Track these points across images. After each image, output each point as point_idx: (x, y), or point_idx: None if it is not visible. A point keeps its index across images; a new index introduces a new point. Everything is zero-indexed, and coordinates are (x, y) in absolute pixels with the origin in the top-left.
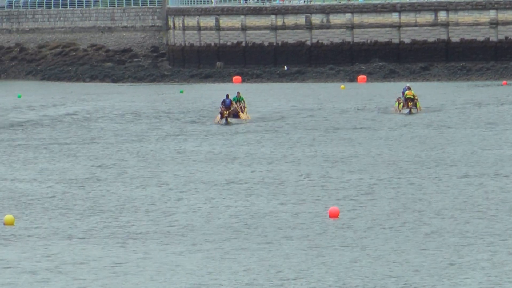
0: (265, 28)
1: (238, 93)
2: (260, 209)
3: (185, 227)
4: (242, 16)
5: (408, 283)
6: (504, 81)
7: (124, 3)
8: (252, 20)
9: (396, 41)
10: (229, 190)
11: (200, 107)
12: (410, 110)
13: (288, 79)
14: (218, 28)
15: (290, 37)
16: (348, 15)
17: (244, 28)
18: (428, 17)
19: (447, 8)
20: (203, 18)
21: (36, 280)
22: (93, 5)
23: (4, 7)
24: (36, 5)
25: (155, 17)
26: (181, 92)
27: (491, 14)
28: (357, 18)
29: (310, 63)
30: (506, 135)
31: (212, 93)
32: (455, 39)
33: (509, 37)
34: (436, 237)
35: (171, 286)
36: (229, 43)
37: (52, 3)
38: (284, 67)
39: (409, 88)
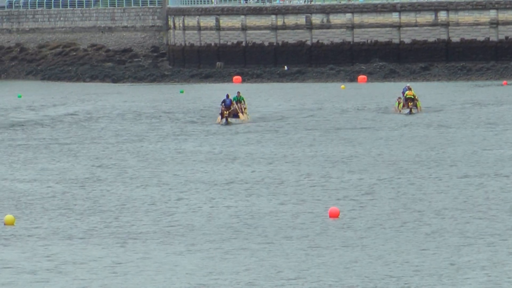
0: (266, 28)
1: (238, 93)
2: (260, 209)
3: (185, 227)
4: (242, 16)
5: (408, 283)
6: (505, 81)
7: (124, 3)
8: (252, 20)
9: (396, 41)
10: (229, 190)
11: (200, 107)
12: (411, 110)
13: (288, 79)
14: (218, 28)
15: (290, 37)
16: (349, 15)
17: (244, 28)
18: (428, 17)
19: (447, 8)
20: (203, 18)
21: (36, 280)
22: (93, 5)
23: (4, 7)
24: (36, 5)
25: (155, 17)
26: (181, 92)
27: (492, 14)
28: (357, 18)
29: (310, 63)
30: (506, 135)
31: (212, 93)
32: (455, 39)
33: (509, 37)
34: (436, 237)
35: (171, 286)
36: (229, 43)
37: (52, 3)
38: (284, 67)
39: (409, 88)
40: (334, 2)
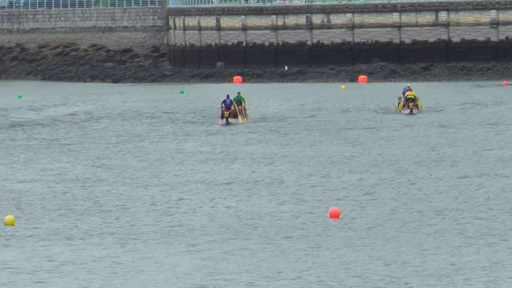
0: (266, 28)
1: (239, 93)
2: (260, 209)
3: (185, 227)
4: (243, 16)
5: (408, 284)
6: (505, 81)
7: (124, 3)
8: (252, 20)
9: (396, 41)
10: (229, 190)
11: (201, 107)
12: (411, 111)
13: (288, 79)
14: (218, 28)
15: (290, 37)
16: (349, 15)
17: (244, 28)
18: (428, 17)
19: (447, 8)
20: (203, 18)
21: (36, 281)
22: (94, 5)
23: (5, 7)
24: (37, 5)
25: (156, 17)
26: (182, 92)
27: (492, 14)
28: (357, 18)
29: (310, 63)
30: (507, 135)
31: (213, 93)
32: (455, 39)
33: (509, 37)
34: (437, 237)
35: (171, 286)
36: (229, 43)
37: (53, 3)
38: (284, 67)
39: (409, 89)
40: (335, 2)
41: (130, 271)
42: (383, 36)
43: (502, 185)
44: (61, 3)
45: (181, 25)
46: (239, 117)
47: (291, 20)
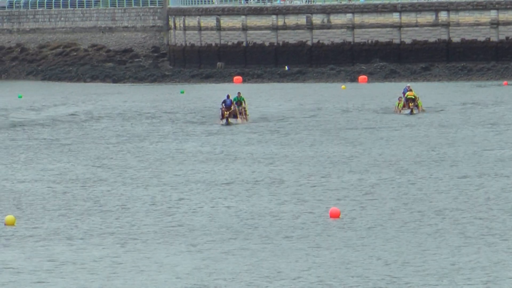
0: (266, 28)
1: (239, 93)
2: (260, 209)
3: (186, 227)
4: (243, 16)
5: (408, 284)
6: (505, 82)
7: (124, 3)
8: (253, 20)
9: (397, 41)
10: (229, 190)
11: (201, 107)
12: (412, 111)
13: (289, 79)
14: (219, 28)
15: (291, 37)
16: (349, 15)
17: (245, 28)
18: (429, 17)
19: (448, 8)
20: (203, 18)
21: (36, 281)
22: (94, 5)
23: (5, 7)
24: (37, 5)
25: (156, 17)
26: (182, 92)
27: (492, 14)
28: (358, 18)
29: (311, 63)
30: (507, 135)
31: (213, 93)
32: (456, 39)
33: (510, 37)
34: (437, 237)
35: (171, 286)
36: (230, 43)
37: (53, 3)
38: (285, 67)
39: (410, 89)
40: (335, 2)
41: (130, 271)
42: (383, 36)
43: (502, 185)
44: (61, 3)
45: (181, 25)
46: (239, 119)
47: (291, 20)
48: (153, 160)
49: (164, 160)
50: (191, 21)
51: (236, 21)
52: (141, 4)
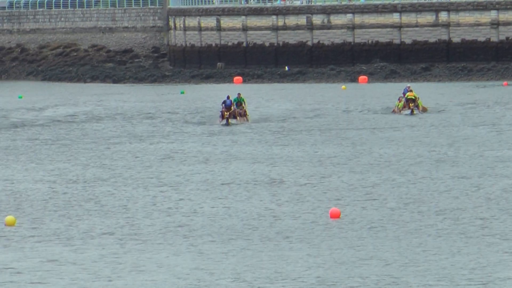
0: (266, 28)
1: (239, 94)
2: (260, 209)
3: (185, 227)
4: (243, 17)
5: (408, 284)
6: (505, 82)
7: (125, 3)
8: (253, 21)
9: (397, 41)
10: (229, 190)
11: (201, 108)
12: (412, 111)
13: (289, 80)
14: (219, 28)
15: (291, 38)
16: (349, 16)
17: (245, 29)
18: (429, 18)
19: (448, 8)
20: (204, 19)
21: (36, 281)
22: (94, 5)
23: (5, 7)
24: (37, 6)
25: (156, 18)
26: (182, 92)
27: (492, 14)
28: (358, 19)
29: (311, 63)
30: (507, 135)
31: (213, 94)
32: (456, 39)
33: (510, 38)
34: (437, 237)
35: (171, 286)
36: (230, 44)
37: (53, 3)
38: (285, 68)
39: (410, 90)
40: (335, 3)
41: (130, 271)
42: (383, 36)
43: (502, 185)
44: (61, 3)
45: (182, 25)
46: (238, 118)
47: (291, 20)
48: (153, 160)
49: (164, 160)
50: (191, 22)
51: (236, 22)
52: (141, 5)
